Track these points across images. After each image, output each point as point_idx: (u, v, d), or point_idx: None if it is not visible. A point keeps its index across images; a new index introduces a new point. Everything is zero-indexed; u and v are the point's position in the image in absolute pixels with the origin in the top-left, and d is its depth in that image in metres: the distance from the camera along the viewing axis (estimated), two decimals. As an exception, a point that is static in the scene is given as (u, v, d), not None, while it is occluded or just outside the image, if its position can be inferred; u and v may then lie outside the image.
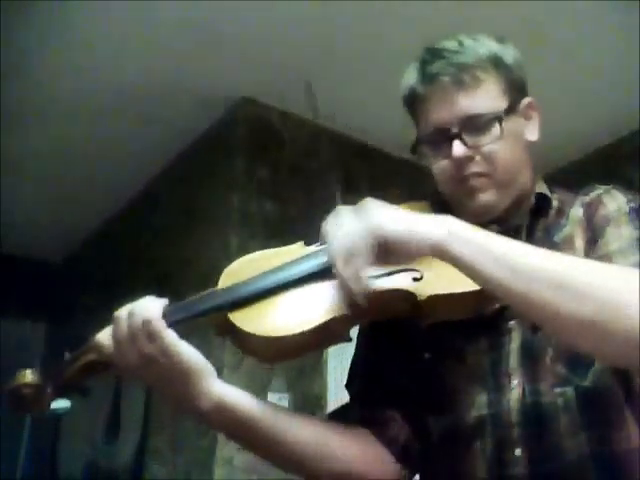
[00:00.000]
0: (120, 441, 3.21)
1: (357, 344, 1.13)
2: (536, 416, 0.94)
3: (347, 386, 1.14)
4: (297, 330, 0.93)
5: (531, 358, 0.96)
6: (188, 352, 0.93)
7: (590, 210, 1.03)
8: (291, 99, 2.89)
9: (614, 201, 1.02)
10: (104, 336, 0.96)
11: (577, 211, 1.05)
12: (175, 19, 2.46)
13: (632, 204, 1.00)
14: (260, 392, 2.44)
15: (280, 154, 2.97)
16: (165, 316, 0.93)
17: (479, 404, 0.98)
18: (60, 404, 1.01)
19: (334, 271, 0.88)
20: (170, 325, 0.92)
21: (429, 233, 0.86)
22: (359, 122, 2.95)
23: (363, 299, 0.88)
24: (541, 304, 0.81)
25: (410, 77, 1.07)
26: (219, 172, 2.98)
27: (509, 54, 1.07)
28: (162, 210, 3.41)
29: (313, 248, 1.03)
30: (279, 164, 2.94)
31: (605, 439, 0.93)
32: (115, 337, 0.93)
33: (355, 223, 0.87)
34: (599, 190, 1.05)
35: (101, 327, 0.97)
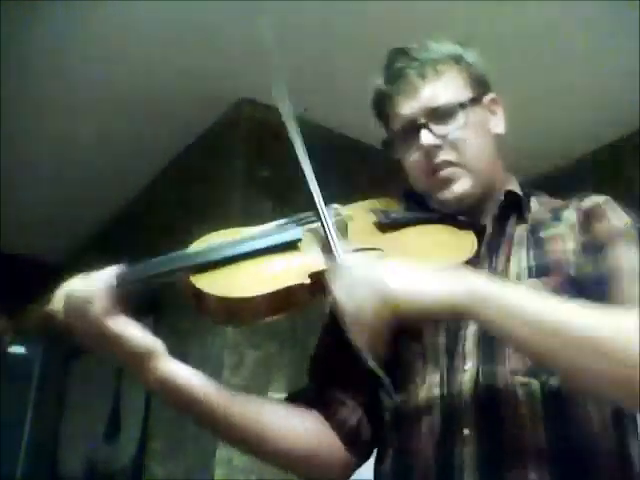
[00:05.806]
0: (120, 441, 3.21)
1: (322, 325, 1.16)
2: (489, 398, 0.95)
3: (308, 369, 1.16)
4: (253, 293, 0.95)
5: (489, 341, 0.97)
6: (136, 337, 0.97)
7: (589, 219, 1.03)
8: (291, 99, 2.88)
9: (619, 218, 1.01)
10: (59, 303, 1.00)
11: (571, 214, 1.05)
12: (175, 19, 2.46)
13: (638, 225, 1.01)
14: (260, 392, 2.45)
15: (280, 154, 2.96)
16: (124, 277, 0.98)
17: (431, 383, 0.99)
18: (16, 349, 1.08)
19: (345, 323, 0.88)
20: (130, 284, 0.97)
21: (448, 295, 0.85)
22: (359, 122, 2.94)
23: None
24: (568, 363, 0.83)
25: (377, 80, 1.14)
26: (219, 172, 2.97)
27: (470, 54, 1.13)
28: (162, 210, 3.41)
29: (281, 222, 1.07)
30: (279, 164, 2.94)
31: (566, 436, 0.93)
32: (67, 313, 0.98)
33: (365, 290, 0.86)
34: (597, 199, 1.05)
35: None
